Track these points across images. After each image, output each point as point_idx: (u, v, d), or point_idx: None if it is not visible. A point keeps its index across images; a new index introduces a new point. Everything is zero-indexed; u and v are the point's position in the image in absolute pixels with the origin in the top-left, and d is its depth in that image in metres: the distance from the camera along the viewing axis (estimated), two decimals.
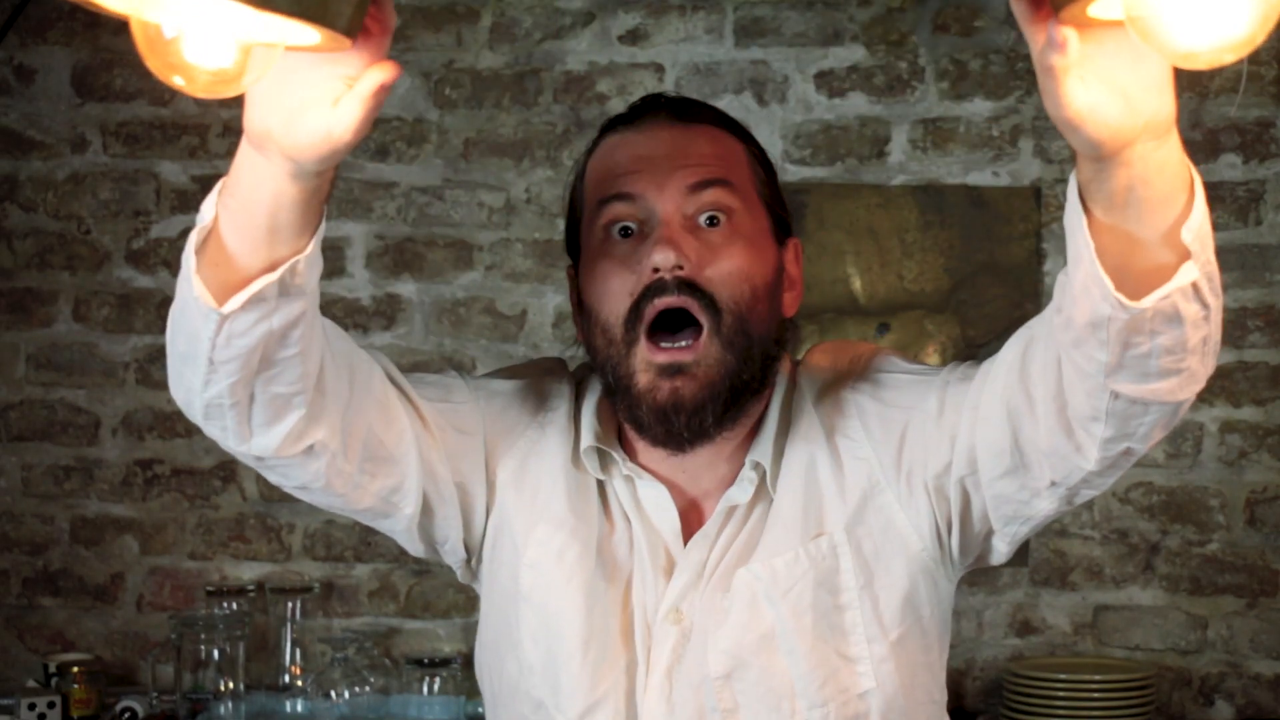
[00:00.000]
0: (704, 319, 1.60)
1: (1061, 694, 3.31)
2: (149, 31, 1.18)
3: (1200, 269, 1.27)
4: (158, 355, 3.71)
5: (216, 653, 3.42)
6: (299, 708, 3.47)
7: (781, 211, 1.73)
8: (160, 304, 3.71)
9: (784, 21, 3.65)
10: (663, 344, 1.61)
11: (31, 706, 3.37)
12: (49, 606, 3.73)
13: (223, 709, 3.40)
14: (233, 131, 3.68)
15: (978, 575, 3.56)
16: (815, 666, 1.61)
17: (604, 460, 1.70)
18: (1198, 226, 1.26)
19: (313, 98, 1.25)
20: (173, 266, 3.69)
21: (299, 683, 3.54)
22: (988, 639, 3.61)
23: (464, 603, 3.66)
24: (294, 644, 3.61)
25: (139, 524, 3.72)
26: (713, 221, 1.64)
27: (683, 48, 3.66)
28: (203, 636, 3.42)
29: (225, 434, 1.47)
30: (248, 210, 1.34)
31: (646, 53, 3.68)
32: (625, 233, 1.65)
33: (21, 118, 3.73)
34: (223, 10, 1.14)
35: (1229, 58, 1.10)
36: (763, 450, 1.67)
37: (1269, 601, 3.55)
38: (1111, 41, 1.15)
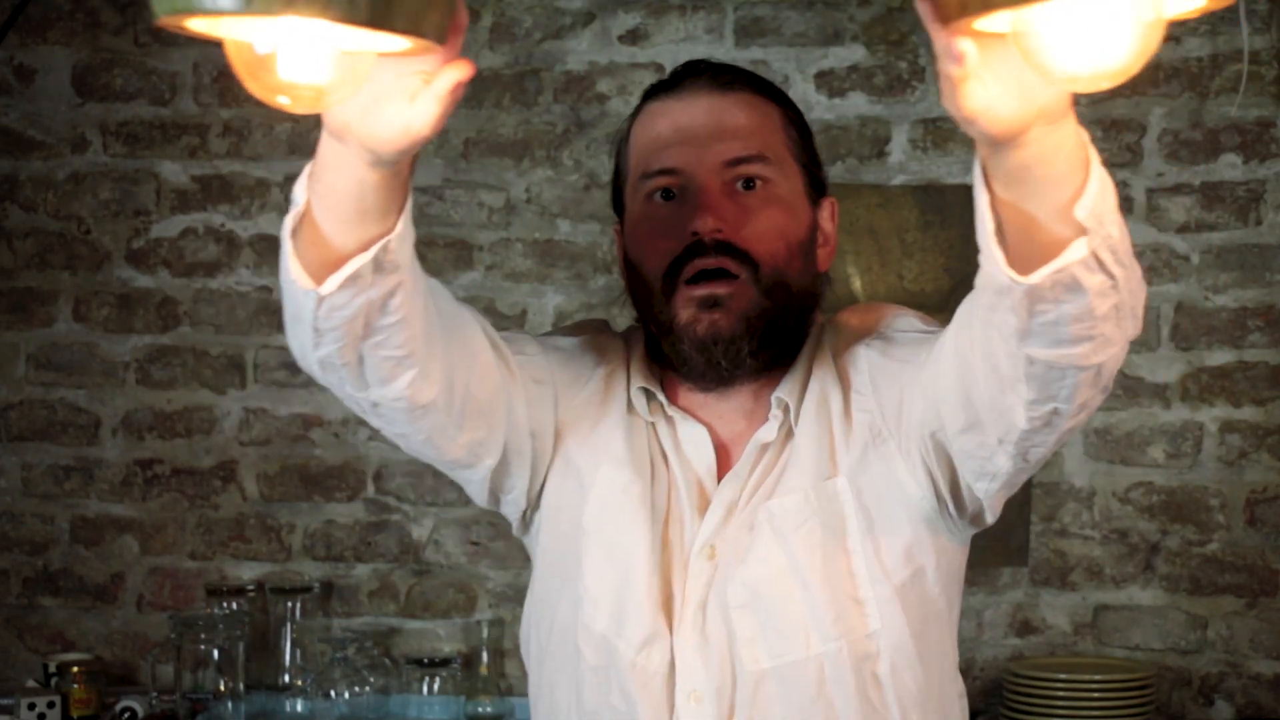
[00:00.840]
0: (742, 272, 1.71)
1: (1061, 694, 3.31)
2: (244, 53, 1.18)
3: (1098, 243, 1.31)
4: (158, 355, 3.71)
5: (216, 653, 3.42)
6: (299, 708, 3.47)
7: (816, 171, 1.82)
8: (160, 304, 3.71)
9: (784, 21, 3.65)
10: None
11: (31, 706, 3.37)
12: (49, 606, 3.73)
13: (223, 709, 3.40)
14: (233, 131, 3.69)
15: (978, 575, 3.56)
16: (828, 604, 1.68)
17: (649, 403, 1.79)
18: (1092, 204, 1.29)
19: (390, 93, 1.29)
20: (173, 266, 3.70)
21: (299, 683, 3.54)
22: (988, 639, 3.61)
23: (464, 603, 3.66)
24: (294, 644, 3.60)
25: (139, 524, 3.72)
26: (749, 184, 1.74)
27: (683, 48, 3.66)
28: (203, 636, 3.42)
29: (343, 384, 1.55)
30: (334, 195, 1.40)
31: (646, 53, 3.67)
32: (667, 195, 1.75)
33: (21, 118, 3.73)
34: (321, 25, 1.14)
35: (1106, 84, 1.13)
36: (788, 390, 1.76)
37: (1269, 601, 3.55)
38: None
